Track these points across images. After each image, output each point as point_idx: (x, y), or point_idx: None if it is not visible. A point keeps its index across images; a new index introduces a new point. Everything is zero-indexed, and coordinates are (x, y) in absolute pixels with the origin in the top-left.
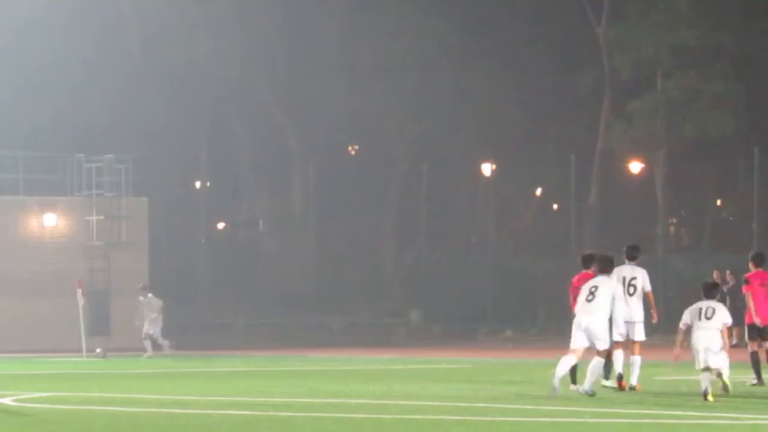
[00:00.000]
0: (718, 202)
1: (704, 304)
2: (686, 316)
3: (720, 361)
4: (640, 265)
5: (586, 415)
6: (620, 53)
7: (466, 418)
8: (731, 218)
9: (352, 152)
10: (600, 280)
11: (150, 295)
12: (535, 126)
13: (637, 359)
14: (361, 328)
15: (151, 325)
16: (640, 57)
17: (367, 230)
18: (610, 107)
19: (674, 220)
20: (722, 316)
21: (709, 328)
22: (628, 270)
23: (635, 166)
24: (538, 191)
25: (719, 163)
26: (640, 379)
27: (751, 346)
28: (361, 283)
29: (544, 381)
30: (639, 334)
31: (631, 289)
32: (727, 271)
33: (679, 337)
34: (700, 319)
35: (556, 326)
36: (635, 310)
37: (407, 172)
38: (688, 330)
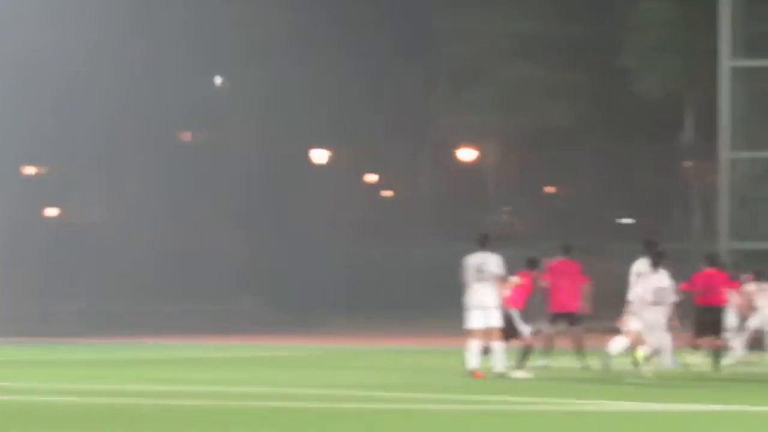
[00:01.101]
0: (551, 190)
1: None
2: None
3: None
4: (492, 251)
5: (418, 402)
6: (456, 41)
7: (297, 405)
8: (565, 206)
9: (188, 139)
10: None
11: None
12: (370, 113)
13: (497, 346)
14: (201, 315)
15: None
16: (475, 46)
17: (205, 217)
18: (445, 95)
19: (507, 208)
20: None
21: None
22: (479, 257)
23: (468, 154)
24: (374, 178)
25: (552, 151)
26: (505, 365)
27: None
28: (200, 270)
29: (385, 368)
30: (495, 320)
31: (483, 275)
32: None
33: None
34: None
35: (396, 312)
36: (488, 296)
37: (244, 159)
38: None
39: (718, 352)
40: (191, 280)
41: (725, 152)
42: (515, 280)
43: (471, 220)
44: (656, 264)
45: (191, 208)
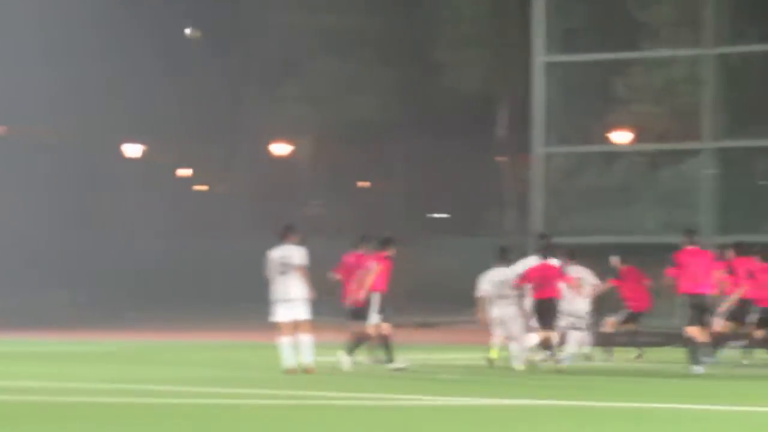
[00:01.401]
0: (365, 185)
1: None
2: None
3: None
4: (298, 244)
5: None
6: (265, 36)
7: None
8: (378, 201)
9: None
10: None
11: None
12: (182, 107)
13: (305, 339)
14: (8, 310)
15: None
16: (287, 41)
17: (16, 211)
18: (257, 90)
19: (319, 202)
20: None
21: None
22: (283, 249)
23: (282, 149)
24: (187, 173)
25: (367, 147)
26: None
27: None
28: (6, 263)
29: (193, 362)
30: (302, 313)
31: (287, 268)
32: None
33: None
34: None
35: (209, 306)
36: (293, 288)
37: (56, 154)
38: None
39: (548, 345)
40: None
41: (539, 147)
42: (375, 267)
43: (285, 214)
44: (545, 256)
45: (1, 201)
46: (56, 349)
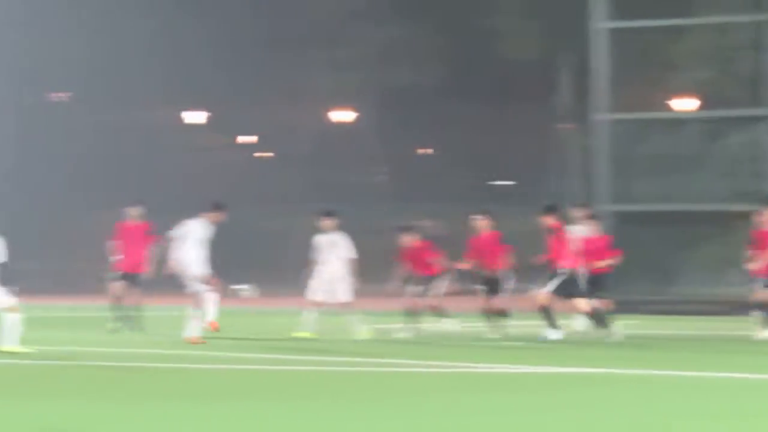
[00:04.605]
0: (426, 151)
1: None
2: None
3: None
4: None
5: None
6: (325, 2)
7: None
8: (438, 167)
9: (57, 99)
10: None
11: None
12: (244, 75)
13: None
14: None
15: None
16: (345, 7)
17: (72, 178)
18: (317, 56)
19: (382, 170)
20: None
21: None
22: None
23: (343, 115)
24: (251, 140)
25: (428, 113)
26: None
27: None
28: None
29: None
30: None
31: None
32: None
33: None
34: None
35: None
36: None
37: (113, 120)
38: None
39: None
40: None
41: (599, 114)
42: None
43: (346, 182)
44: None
45: (54, 168)
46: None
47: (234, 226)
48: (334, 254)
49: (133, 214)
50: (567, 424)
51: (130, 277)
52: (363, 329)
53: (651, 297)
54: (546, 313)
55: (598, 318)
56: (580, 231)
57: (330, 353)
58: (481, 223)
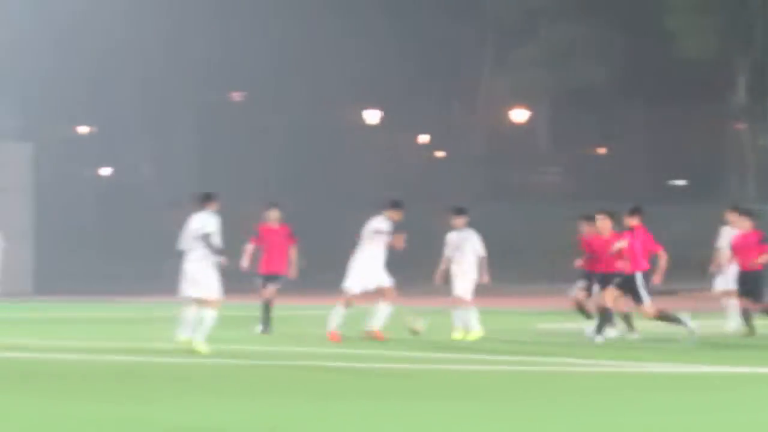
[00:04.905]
0: (601, 151)
1: None
2: None
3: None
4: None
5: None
6: (503, 1)
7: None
8: (613, 166)
9: (239, 98)
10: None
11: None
12: (420, 74)
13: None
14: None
15: None
16: (522, 5)
17: (253, 177)
18: (494, 55)
19: (557, 169)
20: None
21: None
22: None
23: (518, 114)
24: (424, 139)
25: (602, 113)
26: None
27: None
28: (246, 229)
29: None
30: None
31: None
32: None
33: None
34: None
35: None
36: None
37: (293, 119)
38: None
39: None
40: (238, 239)
41: None
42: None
43: (521, 181)
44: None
45: (240, 168)
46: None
47: (408, 224)
48: (464, 251)
49: (272, 216)
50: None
51: (272, 278)
52: (473, 329)
53: None
54: (665, 317)
55: (745, 317)
56: (730, 232)
57: (492, 352)
58: (604, 224)
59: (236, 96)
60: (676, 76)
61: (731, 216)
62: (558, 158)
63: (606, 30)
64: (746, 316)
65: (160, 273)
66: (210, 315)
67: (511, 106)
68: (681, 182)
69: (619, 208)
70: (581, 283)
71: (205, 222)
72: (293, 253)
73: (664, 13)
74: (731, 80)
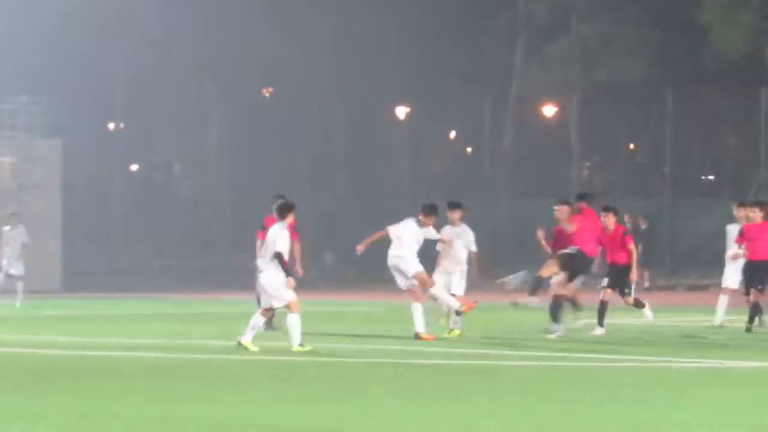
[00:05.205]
0: (632, 147)
1: None
2: None
3: None
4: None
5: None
6: None
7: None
8: (644, 163)
9: (267, 94)
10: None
11: (22, 226)
12: (450, 69)
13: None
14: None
15: (14, 263)
16: (554, 1)
17: (283, 173)
18: (525, 51)
19: (588, 165)
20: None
21: None
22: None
23: (549, 110)
24: (453, 134)
25: (633, 108)
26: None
27: None
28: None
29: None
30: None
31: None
32: (640, 216)
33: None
34: None
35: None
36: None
37: (323, 114)
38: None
39: None
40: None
41: None
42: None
43: (553, 177)
44: None
45: (270, 163)
46: (335, 309)
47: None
48: (455, 246)
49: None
50: None
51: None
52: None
53: None
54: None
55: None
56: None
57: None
58: (609, 218)
59: (266, 92)
60: (709, 71)
61: (744, 211)
62: (589, 154)
63: (638, 25)
64: (756, 310)
65: (189, 270)
66: (293, 318)
67: (542, 102)
68: (710, 177)
69: (648, 204)
70: (605, 281)
71: (276, 237)
72: (297, 249)
73: (697, 7)
74: (764, 75)
